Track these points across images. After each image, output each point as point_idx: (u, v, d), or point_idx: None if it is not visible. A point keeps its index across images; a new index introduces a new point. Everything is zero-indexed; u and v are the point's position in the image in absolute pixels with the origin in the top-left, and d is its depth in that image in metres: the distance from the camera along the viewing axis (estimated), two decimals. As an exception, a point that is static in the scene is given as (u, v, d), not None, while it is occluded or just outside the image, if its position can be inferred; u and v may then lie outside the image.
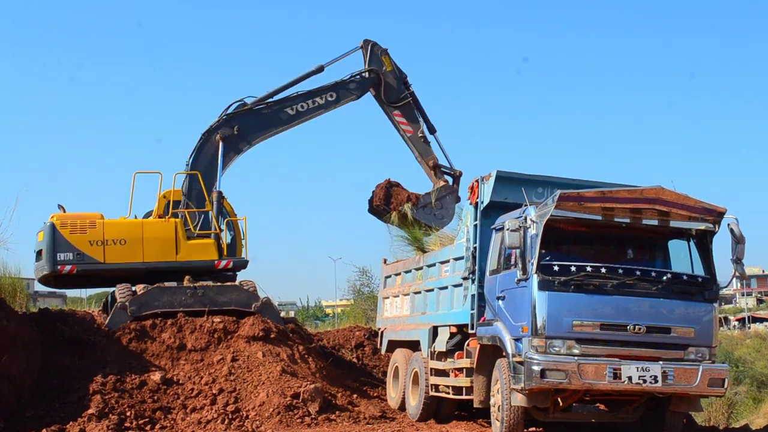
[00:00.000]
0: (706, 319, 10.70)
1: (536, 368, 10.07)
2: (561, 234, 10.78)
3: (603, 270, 10.40)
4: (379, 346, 16.33)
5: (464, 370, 12.17)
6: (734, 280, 11.25)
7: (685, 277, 10.83)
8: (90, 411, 12.42)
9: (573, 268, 10.33)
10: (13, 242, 21.92)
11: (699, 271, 11.06)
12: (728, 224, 10.90)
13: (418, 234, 15.42)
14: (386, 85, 17.50)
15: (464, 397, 12.23)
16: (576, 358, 10.13)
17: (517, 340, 10.57)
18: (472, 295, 12.09)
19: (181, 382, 13.75)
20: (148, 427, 12.57)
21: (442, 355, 12.90)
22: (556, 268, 10.34)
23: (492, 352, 11.32)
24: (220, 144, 16.63)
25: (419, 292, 14.25)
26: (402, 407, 14.38)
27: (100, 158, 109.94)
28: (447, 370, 12.67)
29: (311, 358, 15.33)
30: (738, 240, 10.82)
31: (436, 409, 13.44)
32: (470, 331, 12.10)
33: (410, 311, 14.61)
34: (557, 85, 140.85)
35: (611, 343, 10.32)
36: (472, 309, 12.03)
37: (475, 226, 12.31)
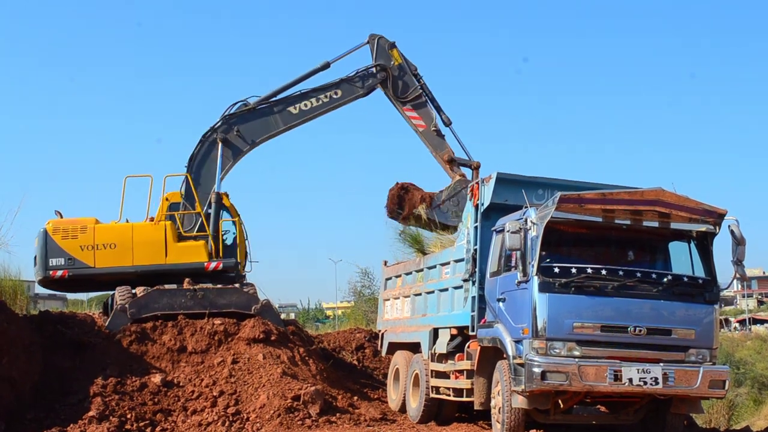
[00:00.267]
0: (707, 321, 10.70)
1: (537, 370, 10.06)
2: (561, 236, 10.78)
3: (603, 272, 10.40)
4: (379, 348, 16.32)
5: (465, 372, 12.17)
6: (735, 281, 11.26)
7: (685, 279, 10.83)
8: (90, 413, 12.41)
9: (573, 270, 10.33)
10: (14, 245, 21.96)
11: (699, 272, 11.06)
12: (729, 226, 10.91)
13: (419, 236, 15.40)
14: (395, 79, 16.90)
15: (465, 399, 12.22)
16: (577, 359, 10.12)
17: (518, 342, 10.57)
18: (473, 297, 12.09)
19: (181, 384, 13.75)
20: (148, 430, 12.55)
21: (442, 357, 12.90)
22: (556, 269, 10.34)
23: (492, 354, 11.32)
24: (220, 145, 16.57)
25: (420, 294, 14.24)
26: (402, 409, 14.38)
27: (100, 159, 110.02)
28: (447, 372, 12.67)
29: (312, 360, 15.33)
30: (738, 241, 10.82)
31: (436, 411, 13.43)
32: (471, 333, 12.11)
33: (411, 313, 14.61)
34: (557, 86, 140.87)
35: (612, 344, 10.32)
36: (473, 311, 12.03)
37: (476, 228, 12.31)
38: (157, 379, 13.61)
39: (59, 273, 15.82)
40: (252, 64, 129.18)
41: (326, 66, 16.85)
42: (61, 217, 16.44)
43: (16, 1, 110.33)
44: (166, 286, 15.50)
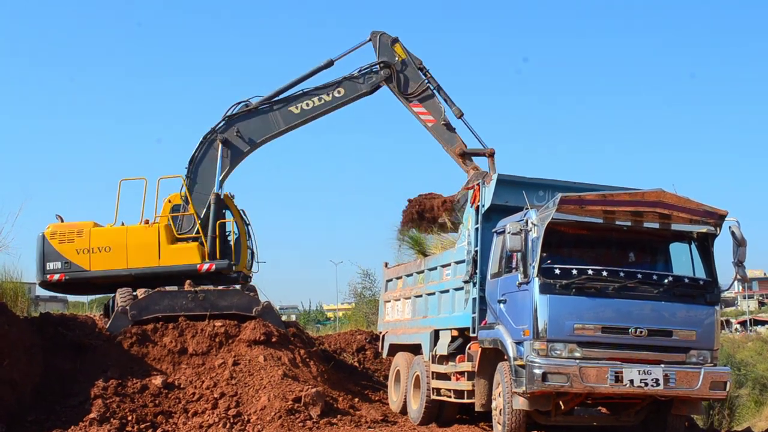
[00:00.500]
0: (708, 322, 10.70)
1: (538, 372, 10.06)
2: (562, 237, 10.79)
3: (604, 273, 10.40)
4: (380, 350, 16.31)
5: (466, 373, 12.17)
6: (736, 282, 11.27)
7: (686, 280, 10.83)
8: (91, 415, 12.41)
9: (574, 272, 10.33)
10: (15, 247, 21.94)
11: (700, 274, 11.06)
12: (729, 227, 10.91)
13: (419, 237, 15.38)
14: (399, 75, 16.44)
15: (466, 400, 12.22)
16: (577, 361, 10.13)
17: (519, 343, 10.57)
18: (474, 299, 12.09)
19: (182, 386, 13.75)
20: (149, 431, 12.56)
21: (443, 359, 12.89)
22: (557, 271, 10.34)
23: (493, 355, 11.32)
24: (220, 146, 16.54)
25: (421, 296, 14.24)
26: (403, 411, 14.37)
27: (101, 159, 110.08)
28: (448, 373, 12.66)
29: (312, 362, 15.33)
30: (739, 243, 10.82)
31: (437, 412, 13.42)
32: (472, 335, 12.11)
33: (412, 315, 14.60)
34: (557, 86, 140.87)
35: (613, 346, 10.32)
36: (474, 312, 12.03)
37: (476, 229, 12.31)
38: (158, 380, 13.61)
39: (56, 276, 16.05)
40: (252, 64, 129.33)
41: (330, 64, 16.56)
42: (62, 221, 16.65)
43: (16, 1, 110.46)
44: (167, 288, 15.51)
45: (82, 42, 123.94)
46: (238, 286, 16.24)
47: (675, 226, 10.97)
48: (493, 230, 11.87)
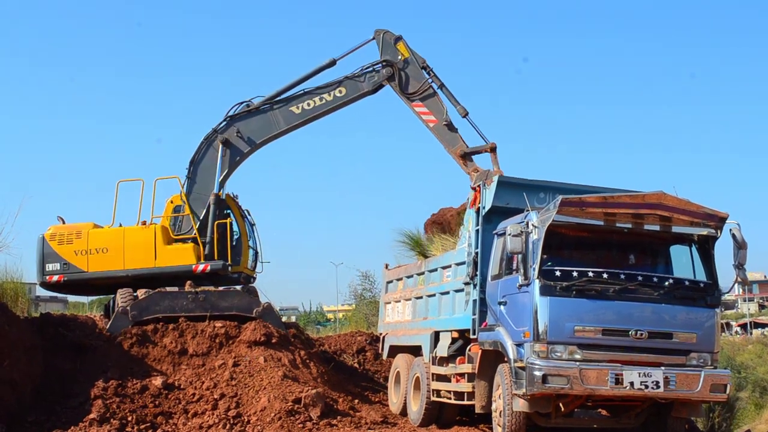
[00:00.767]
0: (708, 325, 10.70)
1: (538, 373, 10.06)
2: (563, 239, 10.79)
3: (605, 275, 10.40)
4: (380, 351, 16.32)
5: (466, 375, 12.16)
6: (736, 285, 11.25)
7: (686, 283, 10.83)
8: (91, 416, 12.42)
9: (575, 274, 10.33)
10: (15, 247, 21.99)
11: (701, 276, 11.06)
12: (730, 229, 10.91)
13: (420, 239, 15.38)
14: (403, 74, 16.16)
15: (466, 402, 12.22)
16: (578, 363, 10.12)
17: (519, 345, 10.57)
18: (474, 300, 12.09)
19: (182, 387, 13.75)
20: (149, 432, 12.57)
21: (443, 361, 12.89)
22: (557, 273, 10.34)
23: (494, 357, 11.32)
24: (220, 147, 16.54)
25: (421, 297, 14.24)
26: (403, 412, 14.37)
27: (101, 159, 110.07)
28: (449, 375, 12.66)
29: (313, 363, 15.33)
30: (740, 245, 10.82)
31: (437, 414, 13.42)
32: (472, 337, 12.10)
33: (412, 316, 14.60)
34: (557, 86, 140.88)
35: (613, 348, 10.32)
36: (474, 314, 12.03)
37: (477, 231, 12.31)
38: (158, 381, 13.61)
39: (55, 278, 16.23)
40: (252, 64, 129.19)
41: (332, 63, 16.34)
42: (63, 222, 16.77)
43: (16, 1, 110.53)
44: (168, 289, 15.53)
45: (82, 42, 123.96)
46: (238, 287, 16.26)
47: (675, 229, 10.97)
48: (494, 232, 11.88)
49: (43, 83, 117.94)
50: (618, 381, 10.11)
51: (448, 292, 13.13)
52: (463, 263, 12.56)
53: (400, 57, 16.22)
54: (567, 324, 10.21)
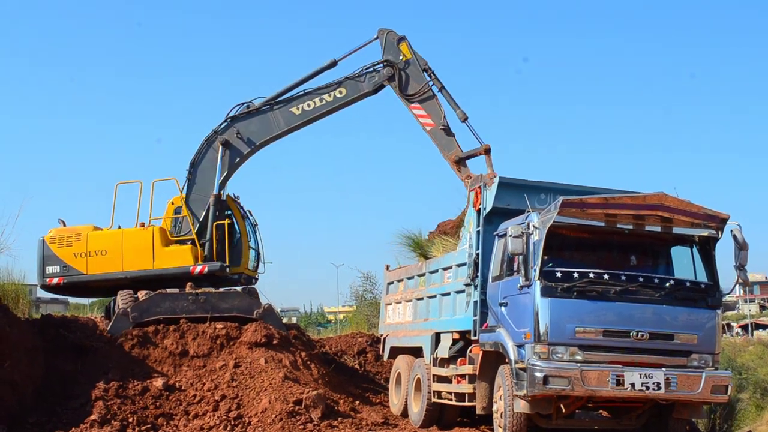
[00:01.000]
0: (709, 326, 10.69)
1: (539, 375, 10.06)
2: (564, 240, 10.79)
3: (606, 276, 10.39)
4: (381, 353, 16.31)
5: (467, 376, 12.16)
6: (737, 286, 11.23)
7: (688, 284, 10.82)
8: (92, 417, 12.42)
9: (576, 275, 10.33)
10: (16, 248, 22.02)
11: (702, 277, 11.05)
12: (731, 230, 10.90)
13: (421, 240, 15.37)
14: (403, 75, 16.01)
15: (467, 403, 12.21)
16: (579, 364, 10.11)
17: (520, 346, 10.56)
18: (475, 302, 12.08)
19: (183, 388, 13.75)
20: (150, 434, 12.57)
21: (444, 362, 12.89)
22: (558, 274, 10.33)
23: (495, 358, 11.31)
24: (220, 148, 16.53)
25: (422, 299, 14.23)
26: (404, 414, 14.37)
27: (101, 159, 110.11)
28: (449, 376, 12.66)
29: (313, 364, 15.33)
30: (741, 246, 10.81)
31: (438, 415, 13.42)
32: (473, 338, 12.09)
33: (413, 317, 14.60)
34: (557, 86, 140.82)
35: (614, 349, 10.31)
36: (475, 315, 12.02)
37: (478, 232, 12.30)
38: (159, 383, 13.61)
39: (55, 280, 16.35)
40: (252, 64, 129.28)
41: (333, 64, 16.25)
42: (64, 225, 16.87)
43: (16, 1, 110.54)
44: (168, 290, 15.53)
45: (82, 42, 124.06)
46: (239, 288, 16.25)
47: (676, 230, 10.96)
48: (495, 233, 11.87)
49: (43, 83, 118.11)
50: (619, 382, 10.10)
51: (449, 294, 13.12)
52: (463, 264, 12.55)
53: (402, 57, 16.11)
54: (568, 325, 10.20)
